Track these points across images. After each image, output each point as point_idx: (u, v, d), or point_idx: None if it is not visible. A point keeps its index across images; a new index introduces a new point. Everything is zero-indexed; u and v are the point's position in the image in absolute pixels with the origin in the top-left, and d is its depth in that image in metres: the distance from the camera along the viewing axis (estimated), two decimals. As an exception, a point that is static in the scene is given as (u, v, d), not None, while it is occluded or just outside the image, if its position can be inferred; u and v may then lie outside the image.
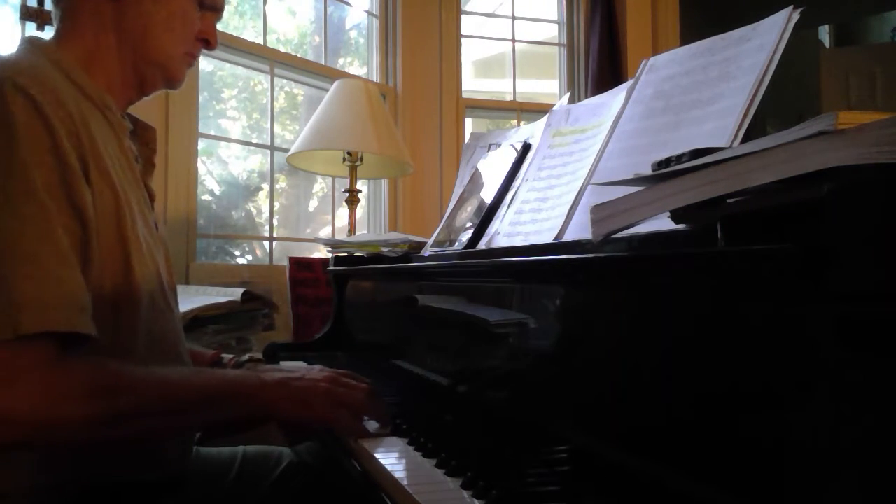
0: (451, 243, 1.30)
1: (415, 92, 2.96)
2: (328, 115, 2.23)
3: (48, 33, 1.35)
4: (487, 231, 1.18)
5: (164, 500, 0.94)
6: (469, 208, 1.32)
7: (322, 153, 2.33)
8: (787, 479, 0.46)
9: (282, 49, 2.69)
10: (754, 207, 0.50)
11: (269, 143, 2.57)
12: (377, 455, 0.80)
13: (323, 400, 0.89)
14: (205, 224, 2.43)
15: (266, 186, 2.63)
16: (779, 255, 0.46)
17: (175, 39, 0.99)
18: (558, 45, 3.39)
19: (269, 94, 2.57)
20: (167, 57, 0.99)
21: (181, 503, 0.97)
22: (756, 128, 0.79)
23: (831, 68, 4.94)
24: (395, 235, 1.58)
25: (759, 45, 0.85)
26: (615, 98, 1.06)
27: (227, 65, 2.56)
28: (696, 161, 0.53)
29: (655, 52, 1.26)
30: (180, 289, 1.08)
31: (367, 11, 2.99)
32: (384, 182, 2.87)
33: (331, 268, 1.70)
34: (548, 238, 0.97)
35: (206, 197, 2.55)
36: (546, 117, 1.22)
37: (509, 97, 3.30)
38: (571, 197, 0.99)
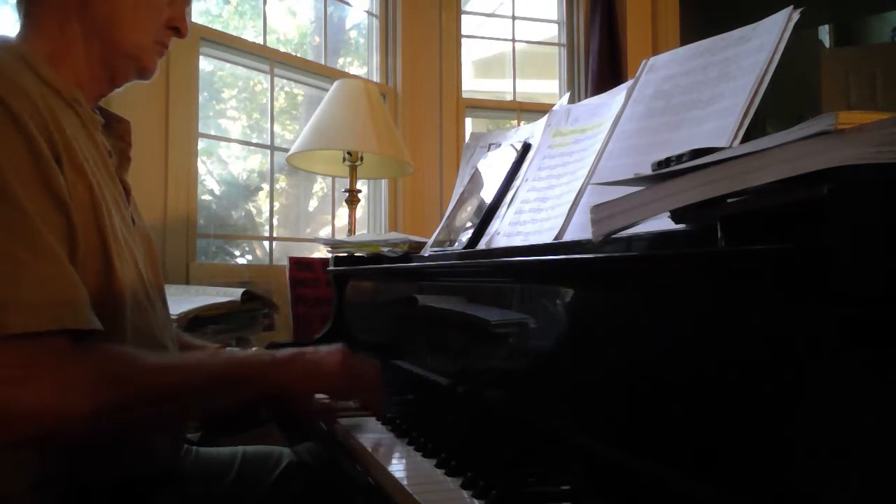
0: (451, 243, 1.30)
1: (415, 92, 2.96)
2: (328, 115, 2.23)
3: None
4: (487, 231, 1.18)
5: (164, 499, 0.93)
6: (469, 208, 1.32)
7: (322, 153, 2.33)
8: (788, 479, 0.46)
9: (282, 49, 2.68)
10: (754, 207, 0.50)
11: (269, 143, 2.57)
12: (377, 455, 0.80)
13: (339, 369, 0.89)
14: (205, 224, 2.42)
15: (266, 186, 2.63)
16: (779, 255, 0.46)
17: (143, 27, 0.95)
18: (558, 45, 3.39)
19: (269, 93, 2.57)
20: (136, 46, 0.95)
21: (181, 503, 0.97)
22: (756, 128, 0.79)
23: (831, 68, 4.95)
24: (395, 235, 1.58)
25: (759, 45, 0.85)
26: (615, 98, 1.06)
27: (227, 65, 2.56)
28: (696, 161, 0.53)
29: (655, 52, 1.26)
30: (181, 289, 1.08)
31: (367, 11, 2.99)
32: (384, 182, 2.87)
33: (331, 268, 1.70)
34: (548, 238, 0.97)
35: (206, 197, 2.55)
36: (546, 117, 1.22)
37: (509, 97, 3.30)
38: (571, 197, 0.99)
